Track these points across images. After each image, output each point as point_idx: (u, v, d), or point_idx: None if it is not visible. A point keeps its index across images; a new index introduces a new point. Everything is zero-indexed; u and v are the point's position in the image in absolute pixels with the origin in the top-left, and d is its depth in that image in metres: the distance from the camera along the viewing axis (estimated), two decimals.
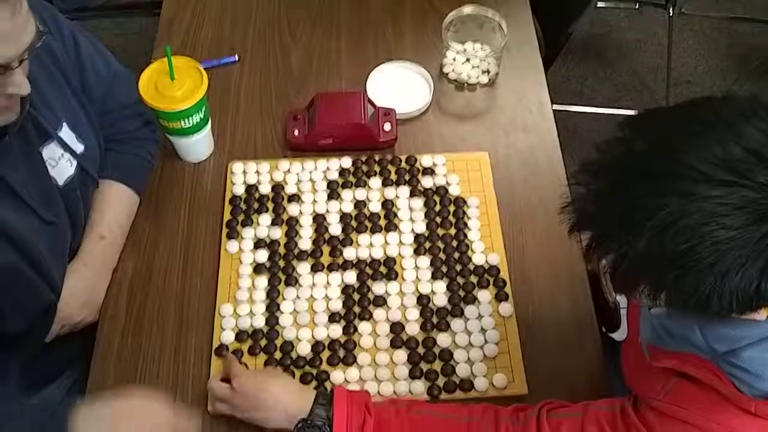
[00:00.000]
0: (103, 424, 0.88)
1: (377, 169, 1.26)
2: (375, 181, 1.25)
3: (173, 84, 1.15)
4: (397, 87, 1.36)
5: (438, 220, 1.20)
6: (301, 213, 1.21)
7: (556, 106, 1.39)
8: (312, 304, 1.12)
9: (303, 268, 1.15)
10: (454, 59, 1.39)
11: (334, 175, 1.25)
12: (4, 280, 0.95)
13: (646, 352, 0.84)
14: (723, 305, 0.67)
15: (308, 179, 1.25)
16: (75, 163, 1.08)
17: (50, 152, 1.04)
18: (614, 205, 0.70)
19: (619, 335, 0.99)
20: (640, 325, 0.86)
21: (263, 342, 1.08)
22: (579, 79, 2.49)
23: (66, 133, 1.07)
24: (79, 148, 1.09)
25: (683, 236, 0.65)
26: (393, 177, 1.25)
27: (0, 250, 0.94)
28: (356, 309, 1.11)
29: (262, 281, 1.14)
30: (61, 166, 1.06)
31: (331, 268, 1.15)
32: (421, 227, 1.19)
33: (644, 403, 0.83)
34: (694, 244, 0.65)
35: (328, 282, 1.14)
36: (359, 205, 1.22)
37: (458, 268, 1.15)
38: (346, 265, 1.15)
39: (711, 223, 0.64)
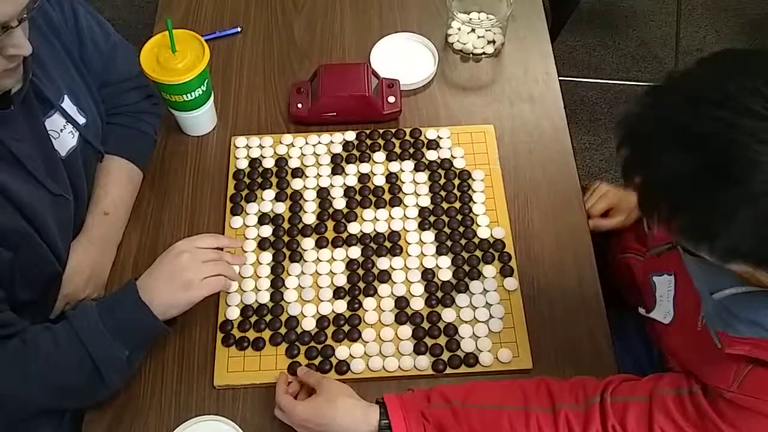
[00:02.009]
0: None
1: (381, 142, 1.25)
2: (379, 155, 1.23)
3: (175, 56, 1.14)
4: (401, 58, 1.34)
5: (443, 193, 1.19)
6: (304, 188, 1.21)
7: (563, 77, 1.37)
8: (316, 279, 1.11)
9: (307, 243, 1.14)
10: (459, 29, 1.37)
11: (337, 149, 1.24)
12: (16, 242, 0.96)
13: (716, 338, 0.81)
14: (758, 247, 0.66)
15: (312, 153, 1.24)
16: (77, 134, 1.07)
17: (53, 123, 1.04)
18: (666, 125, 0.69)
19: (659, 316, 0.96)
20: (704, 310, 0.83)
21: (268, 317, 1.08)
22: (586, 50, 2.46)
23: (68, 104, 1.06)
24: (81, 120, 1.08)
25: (724, 151, 0.65)
26: (397, 150, 1.24)
27: (11, 215, 0.95)
28: (361, 284, 1.11)
29: (267, 257, 1.13)
30: (63, 138, 1.05)
31: (335, 244, 1.14)
32: (425, 201, 1.18)
33: (715, 392, 0.82)
34: (730, 159, 0.64)
35: (332, 257, 1.13)
36: (363, 179, 1.21)
37: (463, 242, 1.14)
38: (350, 240, 1.15)
39: (753, 143, 0.64)
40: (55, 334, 0.94)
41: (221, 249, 1.03)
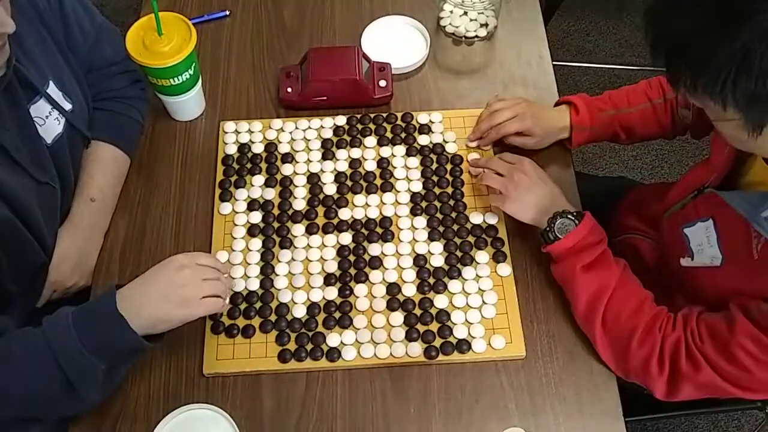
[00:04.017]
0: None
1: (372, 127, 1.23)
2: (370, 140, 1.22)
3: (161, 39, 1.12)
4: (392, 41, 1.33)
5: (435, 179, 1.18)
6: (295, 173, 1.19)
7: (557, 62, 1.35)
8: (307, 266, 1.10)
9: (297, 229, 1.13)
10: (452, 12, 1.35)
11: (328, 134, 1.22)
12: (1, 233, 0.94)
13: None
14: None
15: (302, 138, 1.22)
16: (63, 121, 1.06)
17: (38, 110, 1.02)
18: None
19: (705, 261, 0.98)
20: (761, 229, 0.85)
21: (258, 305, 1.07)
22: (581, 35, 2.44)
23: (53, 90, 1.04)
24: (67, 105, 1.06)
25: None
26: (389, 135, 1.22)
27: None
28: (352, 271, 1.09)
29: (256, 243, 1.12)
30: (49, 125, 1.04)
31: (326, 230, 1.13)
32: (417, 186, 1.17)
33: None
34: None
35: (323, 243, 1.12)
36: (354, 164, 1.19)
37: (455, 228, 1.13)
38: (341, 226, 1.13)
39: None
40: (28, 340, 0.88)
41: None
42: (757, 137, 0.76)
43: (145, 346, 0.90)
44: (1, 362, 0.88)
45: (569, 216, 1.02)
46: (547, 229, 1.03)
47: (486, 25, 1.34)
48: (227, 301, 1.00)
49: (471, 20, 1.34)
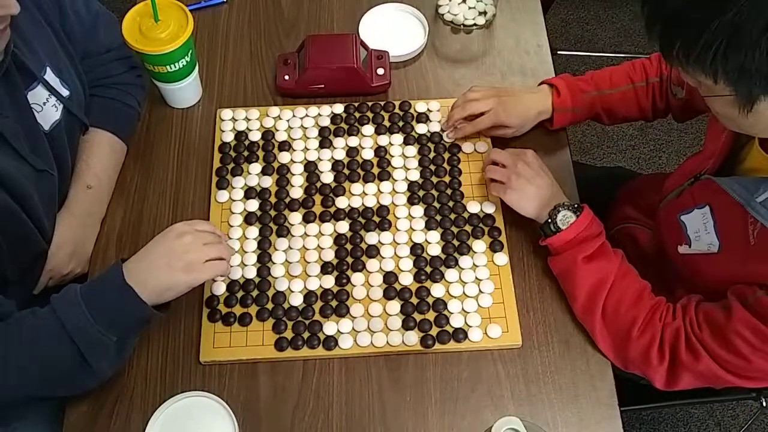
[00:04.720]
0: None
1: (370, 115, 1.23)
2: (368, 128, 1.21)
3: (158, 26, 1.11)
4: (390, 29, 1.32)
5: (432, 167, 1.18)
6: (292, 161, 1.19)
7: (556, 51, 1.34)
8: (304, 254, 1.10)
9: (294, 218, 1.13)
10: (450, 0, 1.34)
11: (325, 122, 1.22)
12: (1, 220, 0.94)
13: None
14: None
15: (299, 126, 1.22)
16: (61, 107, 1.05)
17: (35, 96, 1.01)
18: None
19: (702, 248, 0.98)
20: (756, 215, 0.86)
21: (254, 293, 1.07)
22: (580, 23, 2.43)
23: (50, 76, 1.04)
24: (65, 92, 1.06)
25: None
26: (386, 124, 1.22)
27: None
28: (349, 259, 1.09)
29: (253, 231, 1.12)
30: (46, 111, 1.03)
31: (323, 218, 1.13)
32: (414, 175, 1.17)
33: None
34: None
35: (320, 232, 1.12)
36: (352, 152, 1.19)
37: (452, 217, 1.13)
38: (338, 215, 1.13)
39: None
40: (39, 319, 0.89)
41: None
42: (748, 114, 0.76)
43: (155, 314, 0.91)
44: (14, 342, 0.88)
45: (569, 208, 1.02)
46: (549, 220, 1.03)
47: (484, 13, 1.34)
48: (231, 264, 1.00)
49: (469, 8, 1.34)
